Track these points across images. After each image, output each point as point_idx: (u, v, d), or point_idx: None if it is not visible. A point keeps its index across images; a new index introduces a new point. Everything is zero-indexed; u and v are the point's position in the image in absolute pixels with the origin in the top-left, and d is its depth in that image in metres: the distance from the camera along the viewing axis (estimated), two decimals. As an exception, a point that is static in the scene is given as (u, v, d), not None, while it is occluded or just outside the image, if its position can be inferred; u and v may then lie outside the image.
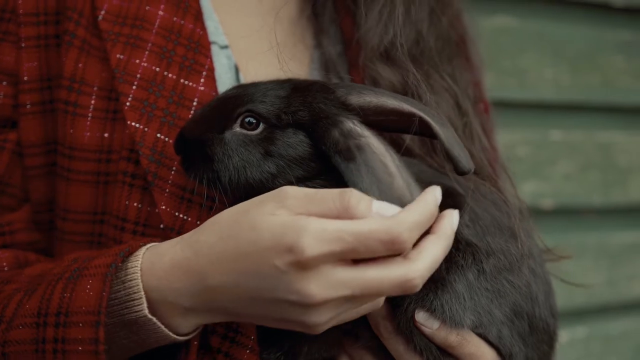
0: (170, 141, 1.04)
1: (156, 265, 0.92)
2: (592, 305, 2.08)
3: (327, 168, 0.96)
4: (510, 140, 1.91)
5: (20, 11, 1.09)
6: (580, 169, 2.05)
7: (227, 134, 0.98)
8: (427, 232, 0.89)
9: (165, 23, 1.10)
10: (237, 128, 0.98)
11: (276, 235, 0.84)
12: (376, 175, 0.90)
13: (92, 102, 1.07)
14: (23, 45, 1.09)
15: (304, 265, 0.83)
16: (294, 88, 0.99)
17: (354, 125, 0.95)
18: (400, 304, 0.98)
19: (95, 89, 1.07)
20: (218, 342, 1.00)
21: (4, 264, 1.05)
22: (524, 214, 1.10)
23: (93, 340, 0.91)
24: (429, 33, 1.19)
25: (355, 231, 0.83)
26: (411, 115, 0.96)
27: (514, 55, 1.96)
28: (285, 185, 0.96)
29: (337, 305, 0.86)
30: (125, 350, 0.95)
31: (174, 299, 0.91)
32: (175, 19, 1.11)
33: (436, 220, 0.90)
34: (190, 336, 0.96)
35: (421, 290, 0.97)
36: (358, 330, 1.02)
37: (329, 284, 0.84)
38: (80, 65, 1.07)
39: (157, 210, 1.03)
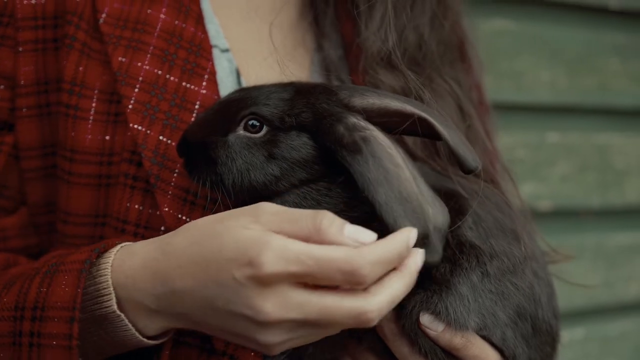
0: (173, 144, 1.04)
1: (126, 263, 0.92)
2: (590, 306, 2.08)
3: (331, 170, 0.96)
4: (508, 142, 1.91)
5: (19, 15, 1.09)
6: (577, 171, 2.06)
7: (231, 137, 0.98)
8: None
9: (166, 26, 1.10)
10: (240, 131, 0.98)
11: (240, 248, 0.84)
12: (383, 166, 0.90)
13: (93, 105, 1.07)
14: (20, 49, 1.09)
15: (261, 280, 0.83)
16: (297, 90, 0.99)
17: (358, 120, 0.94)
18: (404, 307, 0.97)
19: (96, 92, 1.07)
20: (223, 345, 1.00)
21: None
22: (526, 216, 1.10)
23: (67, 335, 0.91)
24: (430, 37, 1.19)
25: (316, 256, 0.82)
26: (414, 117, 0.96)
27: (511, 58, 1.96)
28: (288, 187, 0.97)
29: (291, 328, 0.85)
30: (97, 349, 0.95)
31: (140, 299, 0.91)
32: (176, 22, 1.11)
33: None
34: (160, 341, 0.95)
35: (426, 292, 0.97)
36: (362, 332, 1.02)
37: (284, 304, 0.83)
38: (80, 68, 1.07)
39: (158, 213, 1.03)
